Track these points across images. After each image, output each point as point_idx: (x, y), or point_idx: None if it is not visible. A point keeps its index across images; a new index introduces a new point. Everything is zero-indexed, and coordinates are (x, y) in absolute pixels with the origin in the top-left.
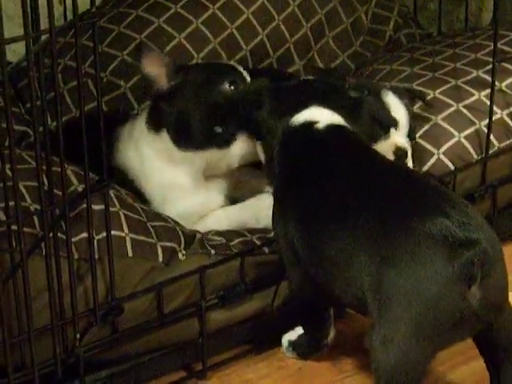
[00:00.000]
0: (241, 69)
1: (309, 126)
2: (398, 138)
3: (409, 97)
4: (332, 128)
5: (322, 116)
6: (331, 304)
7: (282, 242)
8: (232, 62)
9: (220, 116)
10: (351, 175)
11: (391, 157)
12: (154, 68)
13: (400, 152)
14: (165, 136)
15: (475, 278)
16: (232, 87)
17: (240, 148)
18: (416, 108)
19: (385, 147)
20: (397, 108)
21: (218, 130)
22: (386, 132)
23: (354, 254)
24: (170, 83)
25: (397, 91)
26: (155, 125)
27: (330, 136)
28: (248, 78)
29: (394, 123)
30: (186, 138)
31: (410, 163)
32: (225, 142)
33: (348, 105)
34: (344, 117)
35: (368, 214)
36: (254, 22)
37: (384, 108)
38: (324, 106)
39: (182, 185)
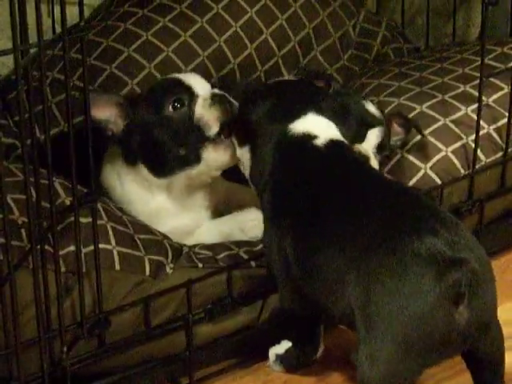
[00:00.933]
0: (190, 79)
1: (307, 140)
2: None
3: (403, 123)
4: (331, 145)
5: (320, 129)
6: (322, 319)
7: (275, 258)
8: (183, 74)
9: (177, 138)
10: (346, 195)
11: None
12: (106, 112)
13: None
14: (142, 167)
15: (463, 297)
16: (177, 106)
17: (215, 158)
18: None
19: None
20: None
21: (182, 151)
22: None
23: (344, 271)
24: (125, 121)
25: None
26: (131, 158)
27: (330, 156)
28: (202, 87)
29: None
30: (158, 166)
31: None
32: (193, 159)
33: (338, 109)
34: (336, 123)
35: (358, 232)
36: (243, 36)
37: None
38: (321, 114)
39: (167, 209)
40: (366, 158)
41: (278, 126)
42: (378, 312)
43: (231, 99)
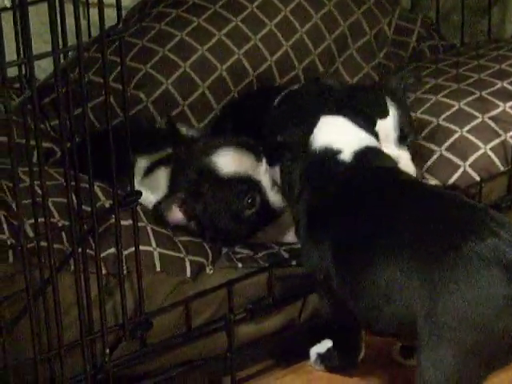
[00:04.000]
0: (256, 175)
1: (330, 155)
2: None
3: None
4: (358, 156)
5: (343, 138)
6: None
7: (318, 276)
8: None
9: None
10: (386, 206)
11: None
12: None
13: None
14: None
15: None
16: (249, 204)
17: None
18: (441, 119)
19: None
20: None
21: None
22: None
23: (405, 282)
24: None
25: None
26: None
27: (359, 170)
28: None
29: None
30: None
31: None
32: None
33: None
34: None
35: (415, 243)
36: (278, 34)
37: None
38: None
39: None
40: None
41: (296, 141)
42: (446, 317)
43: None
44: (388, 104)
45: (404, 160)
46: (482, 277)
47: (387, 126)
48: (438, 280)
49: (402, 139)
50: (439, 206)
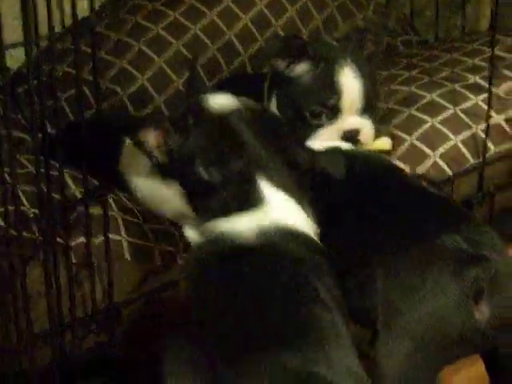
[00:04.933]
0: None
1: None
2: (348, 120)
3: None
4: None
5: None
6: None
7: None
8: None
9: None
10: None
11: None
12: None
13: (349, 134)
14: None
15: (482, 294)
16: None
17: None
18: (414, 110)
19: (332, 132)
20: (348, 86)
21: None
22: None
23: (369, 265)
24: None
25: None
26: None
27: None
28: None
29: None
30: None
31: (368, 146)
32: None
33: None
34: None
35: (375, 232)
36: (253, 28)
37: (329, 87)
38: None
39: None
40: (355, 133)
41: None
42: (398, 308)
43: None
44: (353, 73)
45: (366, 130)
46: (435, 270)
47: (352, 95)
48: (395, 270)
49: (366, 110)
50: (406, 201)
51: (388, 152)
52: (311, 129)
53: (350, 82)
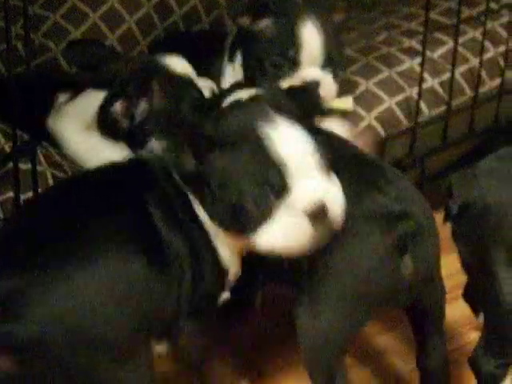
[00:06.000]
0: None
1: None
2: (307, 72)
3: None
4: None
5: None
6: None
7: None
8: None
9: None
10: None
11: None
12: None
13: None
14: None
15: (407, 248)
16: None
17: None
18: (349, 73)
19: (292, 83)
20: (307, 38)
21: None
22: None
23: None
24: None
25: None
26: None
27: None
28: None
29: (296, 56)
30: None
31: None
32: None
33: None
34: None
35: None
36: None
37: (289, 39)
38: None
39: None
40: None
41: None
42: (326, 271)
43: None
44: (314, 26)
45: (326, 84)
46: (362, 230)
47: (312, 47)
48: None
49: (328, 63)
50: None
51: (348, 112)
52: (272, 80)
53: (310, 35)
